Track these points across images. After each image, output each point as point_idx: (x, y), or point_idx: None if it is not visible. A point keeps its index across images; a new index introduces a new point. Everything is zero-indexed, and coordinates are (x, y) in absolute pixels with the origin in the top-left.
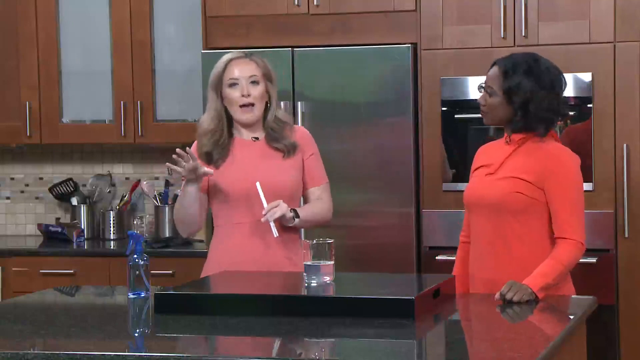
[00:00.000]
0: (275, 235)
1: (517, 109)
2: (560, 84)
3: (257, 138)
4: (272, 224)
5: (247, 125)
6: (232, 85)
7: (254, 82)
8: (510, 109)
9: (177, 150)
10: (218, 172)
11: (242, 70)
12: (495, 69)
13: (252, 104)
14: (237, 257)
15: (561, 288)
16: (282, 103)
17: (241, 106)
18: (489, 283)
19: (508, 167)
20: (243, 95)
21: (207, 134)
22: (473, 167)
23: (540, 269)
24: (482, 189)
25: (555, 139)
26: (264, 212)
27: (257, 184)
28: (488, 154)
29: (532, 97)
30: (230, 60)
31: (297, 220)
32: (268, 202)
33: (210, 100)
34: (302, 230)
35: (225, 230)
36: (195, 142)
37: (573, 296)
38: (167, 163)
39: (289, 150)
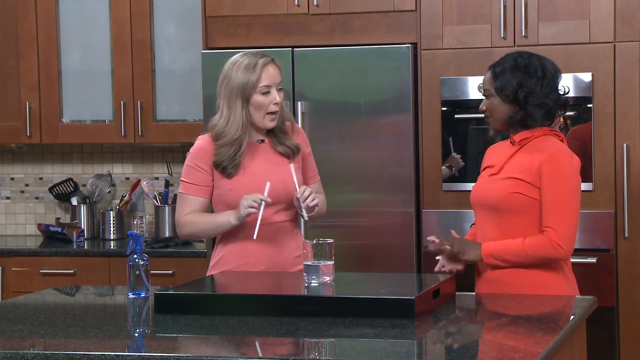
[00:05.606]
0: (254, 238)
1: (512, 102)
2: (553, 72)
3: (262, 140)
4: (257, 226)
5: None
6: (266, 93)
7: (280, 89)
8: (507, 105)
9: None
10: (231, 181)
11: (273, 77)
12: (487, 73)
13: (277, 111)
14: (250, 258)
15: (566, 288)
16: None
17: (269, 113)
18: (492, 281)
19: (509, 167)
20: (275, 104)
21: (229, 144)
22: (482, 167)
23: (505, 243)
24: (485, 189)
25: (560, 139)
26: (298, 195)
27: (267, 184)
28: (495, 154)
29: (521, 87)
30: (264, 66)
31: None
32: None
33: (234, 108)
34: (303, 229)
35: (236, 231)
36: (200, 141)
37: (573, 296)
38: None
39: (294, 152)
